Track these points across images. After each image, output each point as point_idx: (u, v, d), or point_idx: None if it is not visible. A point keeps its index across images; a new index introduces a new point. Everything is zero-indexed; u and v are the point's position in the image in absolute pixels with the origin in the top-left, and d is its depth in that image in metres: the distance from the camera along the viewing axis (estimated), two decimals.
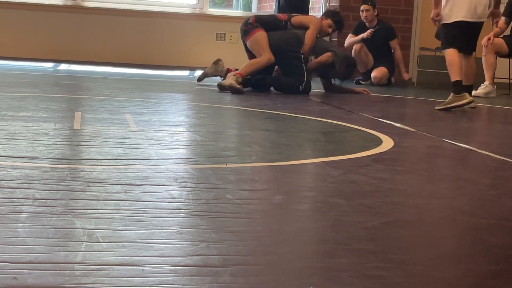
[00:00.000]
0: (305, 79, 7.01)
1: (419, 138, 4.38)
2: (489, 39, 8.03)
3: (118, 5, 9.53)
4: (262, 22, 7.16)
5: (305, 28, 7.12)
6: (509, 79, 8.53)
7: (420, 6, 9.66)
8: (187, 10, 9.73)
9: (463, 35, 6.31)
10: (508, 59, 8.52)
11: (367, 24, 9.00)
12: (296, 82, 6.99)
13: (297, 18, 7.21)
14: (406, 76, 9.04)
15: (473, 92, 7.91)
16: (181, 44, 9.57)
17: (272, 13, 8.24)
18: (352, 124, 4.76)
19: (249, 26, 7.13)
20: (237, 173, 2.92)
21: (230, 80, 6.76)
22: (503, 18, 8.08)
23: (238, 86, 6.69)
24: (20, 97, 5.31)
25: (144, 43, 9.46)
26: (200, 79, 7.46)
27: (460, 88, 6.15)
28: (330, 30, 7.30)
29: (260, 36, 7.05)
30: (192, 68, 9.37)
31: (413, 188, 2.90)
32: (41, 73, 7.92)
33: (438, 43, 9.13)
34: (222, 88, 6.73)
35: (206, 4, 9.71)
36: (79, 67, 8.90)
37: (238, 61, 9.50)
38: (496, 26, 7.48)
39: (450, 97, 6.13)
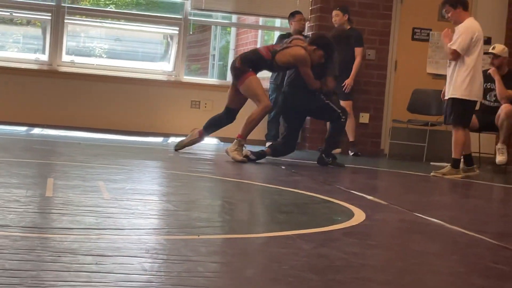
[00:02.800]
0: (339, 110, 7.13)
1: (390, 212, 4.41)
2: None
3: (94, 71, 9.59)
4: (249, 62, 6.95)
5: (293, 66, 6.99)
6: (479, 153, 8.64)
7: (392, 79, 9.82)
8: (163, 77, 9.81)
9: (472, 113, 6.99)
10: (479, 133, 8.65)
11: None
12: (336, 121, 7.15)
13: (282, 58, 6.92)
14: (346, 84, 9.07)
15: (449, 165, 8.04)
16: (156, 111, 9.61)
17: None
18: (325, 196, 4.78)
19: (237, 70, 6.95)
20: (209, 245, 2.92)
21: (233, 152, 6.84)
22: None
23: (240, 158, 6.78)
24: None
25: (119, 109, 9.49)
26: (178, 148, 7.45)
27: (458, 164, 6.90)
28: (323, 59, 6.99)
29: (252, 81, 6.89)
30: (167, 135, 9.40)
31: (383, 263, 2.91)
32: (13, 137, 7.90)
33: (410, 116, 9.31)
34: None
35: (181, 71, 9.80)
36: (53, 132, 8.89)
37: None
38: None
39: (448, 168, 6.84)
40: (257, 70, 6.99)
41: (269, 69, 7.41)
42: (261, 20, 10.93)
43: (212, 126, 7.44)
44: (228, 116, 7.29)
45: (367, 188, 5.76)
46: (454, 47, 6.77)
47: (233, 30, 13.27)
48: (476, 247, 3.41)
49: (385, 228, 3.85)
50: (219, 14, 10.72)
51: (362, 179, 6.66)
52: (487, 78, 8.09)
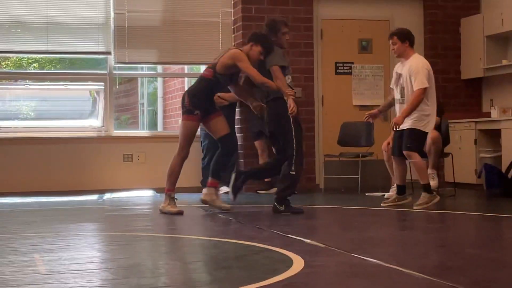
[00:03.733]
0: (293, 155, 6.83)
1: (329, 255, 4.46)
2: (388, 143, 8.31)
3: (22, 134, 9.47)
4: (196, 99, 6.68)
5: (233, 68, 6.64)
6: (411, 180, 8.80)
7: (321, 114, 9.96)
8: (93, 134, 9.74)
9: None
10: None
11: None
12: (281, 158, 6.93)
13: (220, 64, 6.65)
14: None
15: (386, 195, 8.19)
16: (88, 168, 9.52)
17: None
18: (263, 244, 4.81)
19: (184, 108, 6.74)
20: None
21: (167, 207, 6.80)
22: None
23: (175, 210, 6.76)
24: None
25: (51, 169, 9.37)
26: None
27: (430, 188, 7.16)
28: (262, 57, 6.73)
29: (187, 126, 6.72)
30: (102, 191, 9.31)
31: None
32: None
33: (341, 149, 9.45)
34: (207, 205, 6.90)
35: (111, 126, 9.75)
36: None
37: (147, 180, 9.56)
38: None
39: (425, 197, 7.04)
40: (209, 97, 6.75)
41: (219, 87, 6.86)
42: (186, 67, 10.97)
43: (217, 168, 6.99)
44: (223, 146, 6.91)
45: (305, 230, 5.81)
46: (419, 87, 6.95)
47: (160, 78, 13.31)
48: (413, 287, 3.47)
49: (325, 276, 3.89)
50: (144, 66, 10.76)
51: (300, 219, 6.69)
52: None
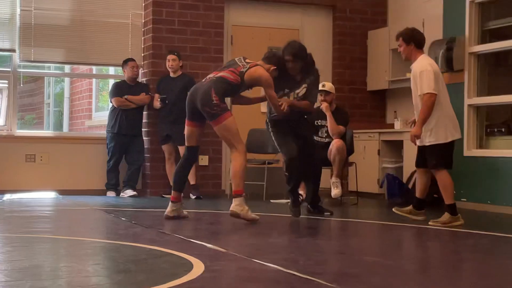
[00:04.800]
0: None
1: (229, 260, 4.46)
2: None
3: None
4: (223, 95, 6.43)
5: (256, 85, 6.62)
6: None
7: None
8: None
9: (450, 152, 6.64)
10: None
11: (172, 74, 9.34)
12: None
13: (250, 76, 6.48)
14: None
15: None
16: None
17: None
18: (164, 248, 4.77)
19: (216, 108, 6.33)
20: None
21: (242, 211, 6.33)
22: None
23: (253, 216, 6.38)
24: None
25: None
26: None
27: (455, 209, 6.52)
28: (274, 77, 6.67)
29: (232, 122, 6.44)
30: (2, 192, 9.06)
31: None
32: None
33: (248, 156, 9.45)
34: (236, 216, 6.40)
35: (14, 125, 9.50)
36: None
37: (52, 181, 9.35)
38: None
39: (447, 217, 6.47)
40: (224, 99, 6.52)
41: (234, 93, 6.72)
42: (94, 69, 10.80)
43: (180, 180, 6.69)
44: (190, 155, 6.71)
45: (208, 235, 5.79)
46: (426, 91, 6.39)
47: (67, 78, 13.06)
48: None
49: (223, 280, 3.88)
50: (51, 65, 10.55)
51: (204, 224, 6.68)
52: (318, 115, 8.40)
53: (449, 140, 6.54)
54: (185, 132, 6.73)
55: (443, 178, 6.50)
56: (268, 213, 7.43)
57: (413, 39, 6.65)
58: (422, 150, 6.67)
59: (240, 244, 5.33)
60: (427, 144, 6.54)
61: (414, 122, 6.76)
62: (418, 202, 6.77)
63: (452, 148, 6.62)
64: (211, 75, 6.57)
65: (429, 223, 6.49)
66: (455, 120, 6.63)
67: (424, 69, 6.46)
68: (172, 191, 6.67)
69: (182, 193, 6.69)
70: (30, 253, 4.74)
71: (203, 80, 6.64)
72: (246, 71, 6.49)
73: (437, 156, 6.50)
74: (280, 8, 10.27)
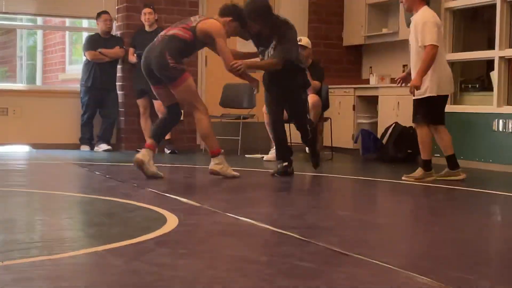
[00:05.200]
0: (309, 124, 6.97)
1: (203, 214, 4.47)
2: None
3: None
4: (179, 55, 6.13)
5: (210, 39, 6.20)
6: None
7: (204, 75, 9.92)
8: None
9: (443, 108, 6.56)
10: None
11: (147, 28, 9.23)
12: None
13: (200, 30, 6.14)
14: None
15: (265, 157, 8.28)
16: None
17: None
18: (138, 202, 4.77)
19: (173, 71, 6.06)
20: (14, 271, 2.83)
21: (227, 169, 6.30)
22: None
23: (232, 173, 6.33)
24: None
25: None
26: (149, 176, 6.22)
27: (430, 166, 6.50)
28: (234, 29, 6.38)
29: (191, 83, 6.19)
30: None
31: (194, 274, 2.94)
32: None
33: (223, 110, 9.46)
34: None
35: None
36: None
37: (25, 135, 9.28)
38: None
39: (420, 172, 6.45)
40: (181, 59, 6.17)
41: (191, 51, 6.35)
42: (67, 21, 10.66)
43: (160, 132, 6.41)
44: (172, 114, 6.38)
45: (182, 189, 5.80)
46: (429, 43, 6.25)
47: (39, 31, 12.88)
48: (284, 245, 3.53)
49: (197, 234, 3.89)
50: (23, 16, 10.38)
51: (178, 179, 6.69)
52: None
53: (440, 94, 6.43)
54: (156, 95, 6.50)
55: (423, 133, 6.47)
56: (244, 168, 7.43)
57: None
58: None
59: (214, 198, 5.33)
60: (416, 97, 6.44)
61: (403, 78, 6.72)
62: (425, 163, 6.55)
63: (443, 104, 6.55)
64: (162, 33, 6.29)
65: (402, 178, 6.52)
66: (450, 76, 6.55)
67: (427, 20, 6.31)
68: (148, 138, 6.43)
69: (157, 147, 6.36)
70: (3, 206, 4.71)
71: (155, 40, 6.32)
72: (196, 25, 6.17)
73: (424, 110, 6.43)
74: None
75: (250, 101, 9.38)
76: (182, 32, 6.16)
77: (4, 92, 9.47)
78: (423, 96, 6.42)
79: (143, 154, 6.17)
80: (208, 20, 6.27)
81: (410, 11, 6.58)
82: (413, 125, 6.77)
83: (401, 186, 6.28)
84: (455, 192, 5.98)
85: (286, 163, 6.70)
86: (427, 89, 6.40)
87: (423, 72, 6.29)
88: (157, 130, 6.39)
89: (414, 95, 6.46)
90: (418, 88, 6.36)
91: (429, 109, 6.46)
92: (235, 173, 6.38)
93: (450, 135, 6.62)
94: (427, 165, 6.53)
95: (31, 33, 13.87)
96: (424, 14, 6.40)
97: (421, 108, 6.47)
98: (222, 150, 6.37)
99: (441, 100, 6.52)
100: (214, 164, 6.32)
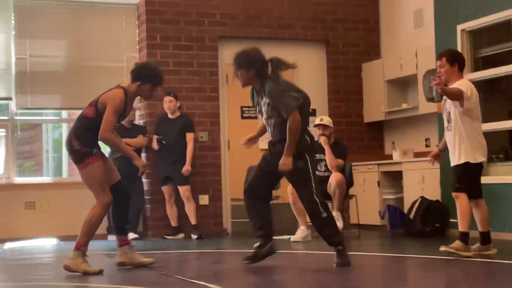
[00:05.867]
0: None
1: None
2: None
3: None
4: (86, 138, 5.79)
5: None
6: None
7: (227, 158, 9.99)
8: None
9: (480, 178, 6.40)
10: None
11: (170, 115, 9.40)
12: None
13: (101, 100, 5.82)
14: (185, 170, 9.22)
15: (292, 238, 8.24)
16: None
17: None
18: None
19: (75, 153, 5.77)
20: None
21: (82, 265, 5.77)
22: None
23: (93, 269, 5.79)
24: None
25: None
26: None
27: (468, 239, 6.23)
28: (148, 91, 5.94)
29: (95, 168, 5.76)
30: (2, 240, 9.02)
31: None
32: None
33: None
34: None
35: (12, 173, 9.51)
36: None
37: (52, 228, 9.32)
38: None
39: (458, 244, 6.17)
40: (96, 138, 5.78)
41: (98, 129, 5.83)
42: None
43: (121, 223, 6.12)
44: (119, 193, 5.99)
45: (211, 275, 5.76)
46: (461, 88, 6.20)
47: (64, 124, 13.06)
48: None
49: None
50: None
51: (206, 264, 6.65)
52: (317, 148, 8.43)
53: (476, 161, 6.28)
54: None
55: (464, 203, 6.24)
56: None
57: (458, 60, 6.44)
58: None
59: (241, 283, 5.29)
60: (455, 164, 6.32)
61: (435, 156, 6.67)
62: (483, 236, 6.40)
63: (479, 173, 6.39)
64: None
65: (441, 249, 6.27)
66: (485, 144, 6.42)
67: (465, 87, 6.25)
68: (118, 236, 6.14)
69: (126, 236, 6.13)
70: None
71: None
72: (99, 98, 5.87)
73: (463, 178, 6.27)
74: (273, 45, 10.27)
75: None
76: (87, 110, 5.91)
77: (31, 186, 9.59)
78: (460, 163, 6.30)
79: (121, 255, 6.07)
80: (110, 92, 5.88)
81: (447, 83, 6.38)
82: (451, 195, 6.53)
83: (432, 261, 6.19)
84: (490, 265, 5.88)
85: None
86: (464, 155, 6.28)
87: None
88: (117, 222, 6.10)
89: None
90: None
91: (468, 177, 6.31)
92: (90, 268, 5.80)
93: (488, 209, 6.41)
94: (466, 238, 6.26)
95: (56, 126, 14.07)
96: (461, 83, 6.33)
97: (460, 176, 6.33)
98: (84, 248, 5.85)
99: (477, 168, 6.37)
100: (69, 259, 5.83)
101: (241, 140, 6.36)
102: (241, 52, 6.13)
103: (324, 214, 5.77)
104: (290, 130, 5.74)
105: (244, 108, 10.13)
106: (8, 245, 8.77)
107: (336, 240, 5.83)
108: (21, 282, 5.55)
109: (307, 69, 10.42)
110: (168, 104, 9.36)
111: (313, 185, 5.80)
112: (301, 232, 8.40)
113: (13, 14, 9.45)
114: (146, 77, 5.90)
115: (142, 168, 5.91)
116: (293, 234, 8.48)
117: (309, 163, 5.83)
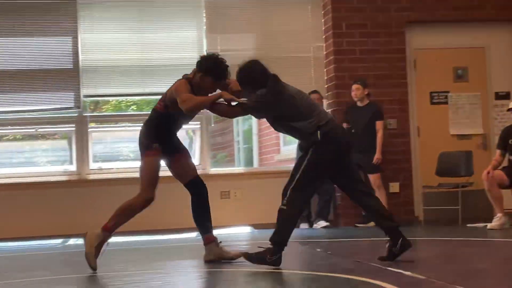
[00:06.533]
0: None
1: (431, 287, 4.36)
2: (488, 172, 8.16)
3: (122, 174, 9.71)
4: (150, 131, 5.77)
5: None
6: None
7: (417, 145, 9.83)
8: None
9: None
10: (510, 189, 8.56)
11: (358, 103, 9.36)
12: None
13: (168, 97, 5.71)
14: (375, 159, 9.13)
15: (488, 225, 8.00)
16: (187, 206, 9.63)
17: None
18: (363, 277, 4.75)
19: (139, 144, 5.82)
20: None
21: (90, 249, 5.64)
22: (498, 151, 8.30)
23: (93, 263, 5.63)
24: (31, 282, 5.32)
25: (152, 208, 9.50)
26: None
27: None
28: (210, 83, 5.71)
29: (150, 164, 5.76)
30: None
31: None
32: (50, 252, 7.94)
33: (439, 179, 9.28)
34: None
35: (207, 164, 9.89)
36: None
37: (246, 216, 9.62)
38: None
39: None
40: (165, 132, 5.78)
41: (174, 121, 5.81)
42: None
43: (203, 221, 6.14)
44: (195, 191, 6.10)
45: (404, 263, 5.70)
46: None
47: None
48: None
49: None
50: None
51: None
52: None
53: None
54: (174, 170, 6.07)
55: None
56: (465, 238, 7.21)
57: None
58: None
59: (439, 270, 5.19)
60: None
61: None
62: None
63: None
64: None
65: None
66: None
67: None
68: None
69: (211, 233, 6.00)
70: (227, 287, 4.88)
71: None
72: (167, 91, 5.75)
73: None
74: (463, 28, 10.01)
75: (468, 169, 9.13)
76: (158, 104, 5.81)
77: (225, 176, 9.93)
78: None
79: (206, 255, 5.97)
80: (175, 84, 5.72)
81: None
82: None
83: None
84: None
85: None
86: None
87: None
88: (199, 219, 6.07)
89: None
90: None
91: None
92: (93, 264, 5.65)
93: None
94: None
95: (246, 118, 14.47)
96: None
97: None
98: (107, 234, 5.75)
99: None
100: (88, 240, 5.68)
101: None
102: (240, 68, 5.73)
103: None
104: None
105: (433, 94, 9.92)
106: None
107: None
108: (218, 268, 5.76)
109: (500, 51, 10.03)
110: (355, 92, 9.35)
111: (298, 179, 5.59)
112: (498, 219, 8.11)
113: (204, 11, 9.82)
114: (207, 69, 5.71)
115: (226, 97, 5.51)
116: (490, 221, 8.20)
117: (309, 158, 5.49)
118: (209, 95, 5.70)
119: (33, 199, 9.45)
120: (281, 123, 5.63)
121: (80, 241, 8.84)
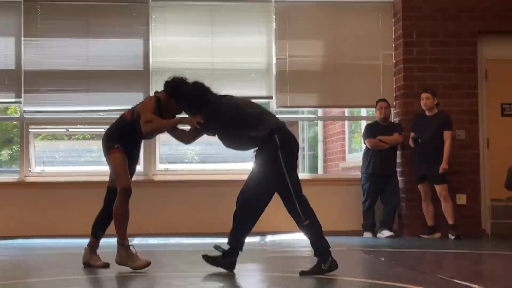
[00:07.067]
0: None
1: None
2: None
3: (187, 176, 9.79)
4: (115, 133, 5.99)
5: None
6: None
7: (486, 157, 9.66)
8: None
9: None
10: None
11: (427, 112, 9.22)
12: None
13: (138, 108, 5.91)
14: (441, 169, 8.98)
15: None
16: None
17: None
18: None
19: (103, 147, 6.04)
20: None
21: (133, 261, 5.90)
22: None
23: (138, 264, 5.86)
24: (96, 279, 5.39)
25: (216, 211, 9.57)
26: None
27: None
28: (174, 105, 5.85)
29: (116, 159, 5.93)
30: (263, 233, 9.41)
31: None
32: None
33: (509, 193, 9.10)
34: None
35: None
36: (152, 241, 9.02)
37: None
38: None
39: None
40: (125, 138, 5.94)
41: (135, 134, 5.91)
42: (346, 111, 10.99)
43: (101, 227, 6.33)
44: (112, 198, 6.19)
45: (471, 275, 5.61)
46: None
47: (320, 122, 13.39)
48: None
49: None
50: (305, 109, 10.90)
51: (466, 265, 6.48)
52: None
53: None
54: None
55: None
56: None
57: None
58: None
59: (507, 283, 5.09)
60: None
61: None
62: None
63: None
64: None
65: None
66: None
67: None
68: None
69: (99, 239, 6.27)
70: None
71: None
72: (138, 105, 5.95)
73: None
74: None
75: None
76: (127, 112, 6.01)
77: None
78: None
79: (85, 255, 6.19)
80: (147, 98, 6.07)
81: None
82: None
83: None
84: None
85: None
86: None
87: None
88: (98, 224, 6.32)
89: None
90: None
91: None
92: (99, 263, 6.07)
93: None
94: None
95: (311, 124, 14.45)
96: None
97: None
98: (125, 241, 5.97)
99: None
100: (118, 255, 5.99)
101: None
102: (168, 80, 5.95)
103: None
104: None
105: (504, 105, 9.74)
106: (269, 238, 9.14)
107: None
108: (282, 272, 5.76)
109: None
110: (425, 101, 9.24)
111: (294, 192, 5.83)
112: None
113: (274, 17, 9.84)
114: (171, 92, 5.86)
115: (191, 123, 5.71)
116: None
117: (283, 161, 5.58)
118: (171, 119, 5.85)
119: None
120: (232, 134, 5.70)
121: (145, 240, 9.00)
